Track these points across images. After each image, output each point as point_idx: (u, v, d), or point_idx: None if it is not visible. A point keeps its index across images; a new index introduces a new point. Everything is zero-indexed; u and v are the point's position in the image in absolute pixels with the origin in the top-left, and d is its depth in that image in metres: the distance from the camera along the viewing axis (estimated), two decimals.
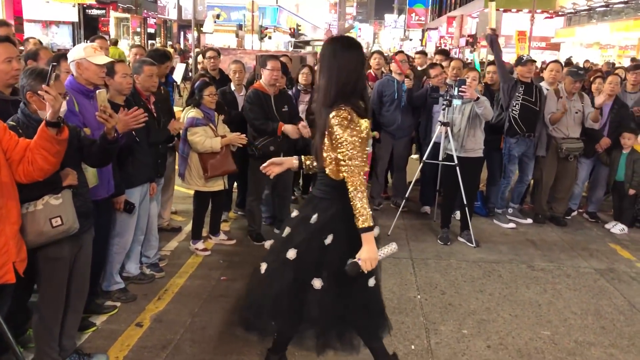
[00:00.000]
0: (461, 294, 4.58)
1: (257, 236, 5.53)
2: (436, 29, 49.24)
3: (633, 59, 18.58)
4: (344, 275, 2.61)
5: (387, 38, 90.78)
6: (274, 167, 3.06)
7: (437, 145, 5.86)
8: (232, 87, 5.86)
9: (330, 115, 2.58)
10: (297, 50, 18.54)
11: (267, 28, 27.39)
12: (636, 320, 4.25)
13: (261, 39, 24.61)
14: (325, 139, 2.64)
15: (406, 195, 6.22)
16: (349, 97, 2.61)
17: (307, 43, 24.11)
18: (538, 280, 4.95)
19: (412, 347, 3.74)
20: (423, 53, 9.81)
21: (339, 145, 2.58)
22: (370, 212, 2.59)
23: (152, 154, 4.42)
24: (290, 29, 31.89)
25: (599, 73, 8.49)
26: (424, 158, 6.03)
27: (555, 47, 31.49)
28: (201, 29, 19.96)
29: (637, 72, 6.98)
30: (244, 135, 5.08)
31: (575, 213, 6.84)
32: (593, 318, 4.25)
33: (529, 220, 6.56)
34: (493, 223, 6.46)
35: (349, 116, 2.57)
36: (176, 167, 5.35)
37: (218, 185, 5.11)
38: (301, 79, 6.40)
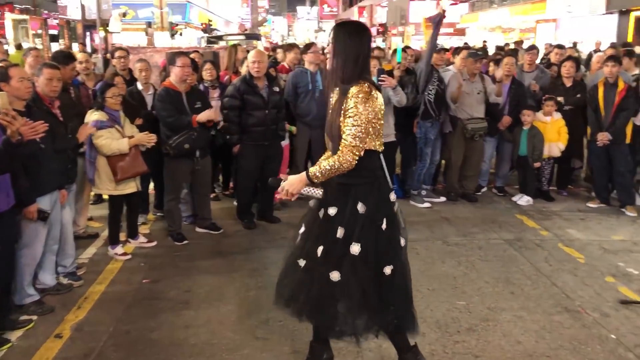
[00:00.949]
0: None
1: (177, 236, 5.47)
2: (348, 19, 49.94)
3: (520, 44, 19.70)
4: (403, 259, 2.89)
5: (302, 30, 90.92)
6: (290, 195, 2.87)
7: None
8: (139, 87, 5.75)
9: (353, 90, 2.70)
10: (210, 46, 18.25)
11: (177, 25, 26.74)
12: (541, 283, 4.58)
13: (172, 35, 24.02)
14: (343, 115, 2.73)
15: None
16: (361, 74, 2.77)
17: (220, 38, 23.71)
18: (452, 254, 5.21)
19: None
20: None
21: (350, 116, 2.69)
22: (326, 169, 2.74)
23: (61, 160, 4.27)
24: (202, 24, 31.30)
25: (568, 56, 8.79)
26: None
27: (461, 32, 32.79)
28: (107, 28, 19.21)
29: (533, 52, 7.46)
30: (154, 135, 5.00)
31: (484, 189, 7.23)
32: (503, 285, 4.54)
33: (443, 199, 6.87)
34: (410, 204, 6.71)
35: (369, 90, 2.73)
36: None
37: (130, 187, 5.01)
38: (205, 75, 6.36)
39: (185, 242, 5.45)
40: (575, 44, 14.04)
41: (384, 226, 2.82)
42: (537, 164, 6.71)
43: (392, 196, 2.92)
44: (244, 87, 5.57)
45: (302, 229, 3.02)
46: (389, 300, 2.86)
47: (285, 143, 6.29)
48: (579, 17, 18.87)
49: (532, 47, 8.14)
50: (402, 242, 2.92)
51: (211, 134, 5.67)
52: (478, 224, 6.06)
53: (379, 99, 2.79)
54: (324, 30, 64.72)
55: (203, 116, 5.19)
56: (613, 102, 6.29)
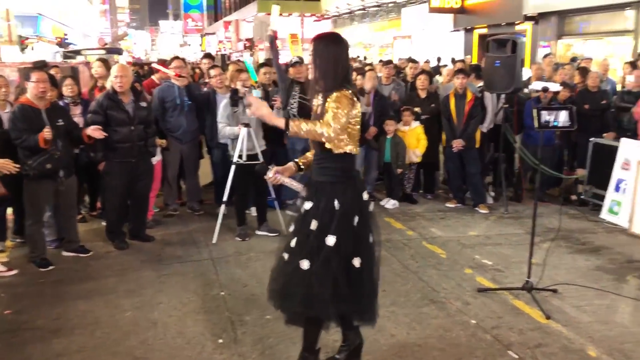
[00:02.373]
0: (262, 284, 4.76)
1: (42, 262, 5.13)
2: (214, 33, 49.62)
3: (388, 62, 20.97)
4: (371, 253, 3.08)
5: (165, 44, 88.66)
6: (282, 176, 3.13)
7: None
8: None
9: (334, 94, 2.88)
10: (66, 61, 17.21)
11: (28, 38, 24.87)
12: (409, 279, 4.92)
13: (22, 50, 22.30)
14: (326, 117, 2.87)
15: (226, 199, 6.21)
16: (343, 82, 2.96)
17: (78, 53, 22.43)
18: None
19: (220, 340, 3.85)
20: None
21: (330, 111, 2.84)
22: (302, 130, 2.82)
23: None
24: (56, 38, 29.40)
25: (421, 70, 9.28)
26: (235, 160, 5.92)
27: None
28: None
29: (389, 66, 8.01)
30: (15, 166, 4.63)
31: None
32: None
33: None
34: (286, 214, 6.84)
35: (351, 96, 2.92)
36: None
37: None
38: (66, 91, 6.05)
39: (50, 267, 5.12)
40: (428, 60, 15.18)
41: (355, 222, 3.02)
42: (399, 170, 7.19)
43: (365, 195, 3.13)
44: (107, 102, 5.37)
45: (292, 227, 3.18)
46: (357, 290, 3.06)
47: (157, 159, 6.15)
48: (431, 34, 20.42)
49: (389, 62, 8.72)
50: (371, 239, 3.11)
51: (75, 152, 5.40)
52: None
53: (358, 107, 2.98)
54: (189, 45, 63.69)
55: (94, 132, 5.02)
56: (464, 111, 6.94)
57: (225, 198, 5.99)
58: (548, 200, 7.43)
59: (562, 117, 4.21)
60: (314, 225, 3.00)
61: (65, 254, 5.44)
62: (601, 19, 13.54)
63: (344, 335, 3.42)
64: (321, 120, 2.86)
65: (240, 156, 5.78)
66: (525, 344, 3.80)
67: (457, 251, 5.64)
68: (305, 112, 6.61)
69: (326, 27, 34.04)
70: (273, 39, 6.74)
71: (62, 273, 5.06)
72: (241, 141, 5.74)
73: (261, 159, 5.65)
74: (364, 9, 26.04)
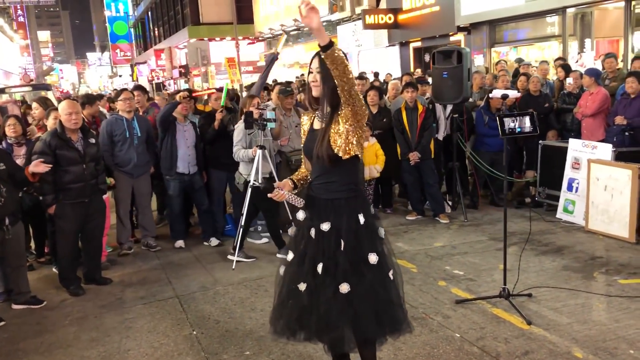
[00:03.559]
0: (235, 318, 4.61)
1: None
2: (145, 62, 48.66)
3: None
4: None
5: (94, 76, 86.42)
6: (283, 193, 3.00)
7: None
8: None
9: (342, 111, 2.87)
10: None
11: None
12: None
13: None
14: (334, 125, 2.87)
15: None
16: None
17: (2, 91, 21.44)
18: None
19: None
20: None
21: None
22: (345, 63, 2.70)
23: None
24: None
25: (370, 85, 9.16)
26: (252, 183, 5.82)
27: (261, 69, 33.98)
28: None
29: None
30: None
31: None
32: None
33: None
34: (247, 241, 6.65)
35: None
36: None
37: None
38: (8, 131, 5.69)
39: (1, 323, 4.72)
40: (377, 74, 15.40)
41: (381, 234, 3.01)
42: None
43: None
44: (55, 141, 5.06)
45: (291, 256, 3.04)
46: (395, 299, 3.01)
47: (105, 196, 5.84)
48: (367, 50, 20.74)
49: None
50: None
51: (19, 195, 5.05)
52: None
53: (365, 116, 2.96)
54: (120, 75, 62.21)
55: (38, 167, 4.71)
56: (416, 123, 6.99)
57: (242, 222, 5.89)
58: (504, 205, 7.55)
59: (525, 123, 4.27)
60: (341, 246, 2.88)
61: (15, 307, 5.04)
62: (529, 27, 14.15)
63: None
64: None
65: (256, 179, 5.73)
66: (513, 352, 3.77)
67: (426, 264, 5.61)
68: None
69: (260, 49, 34.12)
70: (274, 59, 6.67)
71: (14, 328, 4.67)
72: (257, 163, 5.68)
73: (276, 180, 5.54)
74: (298, 29, 26.19)
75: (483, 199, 7.86)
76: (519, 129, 4.30)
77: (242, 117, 5.89)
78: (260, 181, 5.69)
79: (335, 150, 2.87)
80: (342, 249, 2.88)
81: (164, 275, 5.75)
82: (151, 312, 4.84)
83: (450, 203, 7.62)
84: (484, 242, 6.17)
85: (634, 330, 3.98)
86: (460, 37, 15.83)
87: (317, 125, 3.05)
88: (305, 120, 3.15)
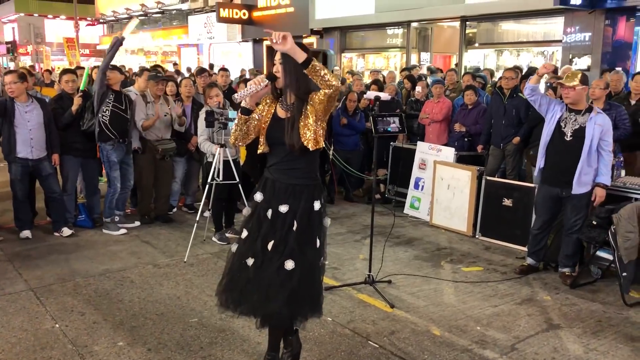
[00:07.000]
0: (102, 310, 4.39)
1: None
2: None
3: (175, 64, 20.58)
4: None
5: None
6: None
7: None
8: None
9: (316, 95, 2.98)
10: None
11: None
12: None
13: None
14: (303, 117, 2.99)
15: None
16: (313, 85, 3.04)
17: None
18: (167, 276, 5.15)
19: None
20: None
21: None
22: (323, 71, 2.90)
23: None
24: None
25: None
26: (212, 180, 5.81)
27: (100, 53, 31.91)
28: None
29: (204, 75, 7.91)
30: None
31: (175, 209, 7.31)
32: None
33: (137, 223, 6.69)
34: (103, 233, 6.33)
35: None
36: None
37: None
38: None
39: None
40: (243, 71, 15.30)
41: (326, 223, 3.22)
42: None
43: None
44: None
45: (245, 234, 3.14)
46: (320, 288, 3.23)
47: None
48: (220, 44, 20.57)
49: (202, 70, 8.62)
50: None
51: None
52: (180, 242, 6.11)
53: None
54: None
55: None
56: None
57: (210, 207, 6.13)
58: (357, 201, 8.10)
59: (394, 124, 4.66)
60: (295, 227, 3.03)
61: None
62: (376, 36, 15.16)
63: (286, 342, 3.39)
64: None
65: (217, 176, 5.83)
66: (381, 332, 4.11)
67: None
68: (118, 120, 6.18)
69: (100, 31, 32.05)
70: (119, 43, 6.22)
71: None
72: (217, 161, 5.77)
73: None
74: (145, 15, 25.06)
75: (338, 194, 8.30)
76: (389, 129, 4.68)
77: (203, 111, 6.00)
78: (219, 179, 5.81)
79: (305, 143, 3.02)
80: (294, 229, 3.03)
81: (12, 267, 5.26)
82: (2, 307, 4.42)
83: None
84: (343, 234, 6.55)
85: (478, 310, 4.56)
86: (313, 39, 16.41)
87: (281, 113, 3.13)
88: (261, 107, 3.16)
